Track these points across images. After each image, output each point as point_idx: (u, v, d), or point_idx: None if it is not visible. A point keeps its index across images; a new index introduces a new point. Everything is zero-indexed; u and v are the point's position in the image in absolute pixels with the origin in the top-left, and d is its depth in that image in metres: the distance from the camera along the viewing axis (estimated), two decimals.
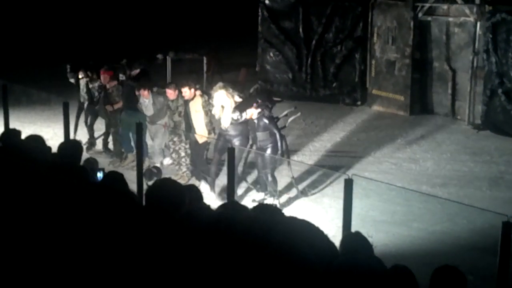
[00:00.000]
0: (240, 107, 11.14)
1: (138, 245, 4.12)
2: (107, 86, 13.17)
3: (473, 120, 16.32)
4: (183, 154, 12.29)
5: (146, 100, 12.53)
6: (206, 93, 12.16)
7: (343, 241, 5.09)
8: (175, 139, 12.28)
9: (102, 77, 13.23)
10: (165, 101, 12.44)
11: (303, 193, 11.51)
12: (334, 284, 3.02)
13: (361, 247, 4.96)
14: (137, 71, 13.66)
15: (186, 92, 11.76)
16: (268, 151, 11.06)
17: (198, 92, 11.84)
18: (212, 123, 11.89)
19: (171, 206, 4.52)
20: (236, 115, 11.13)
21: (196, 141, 11.85)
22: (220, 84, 11.68)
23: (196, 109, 11.72)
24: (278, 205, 10.54)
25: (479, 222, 9.88)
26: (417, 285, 4.52)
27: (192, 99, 11.78)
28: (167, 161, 13.04)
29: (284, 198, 11.38)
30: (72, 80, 14.07)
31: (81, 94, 13.95)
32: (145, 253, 4.01)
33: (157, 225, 4.32)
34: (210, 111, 11.62)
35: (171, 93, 12.07)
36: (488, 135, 15.51)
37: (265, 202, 10.66)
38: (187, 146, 12.17)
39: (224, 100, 11.26)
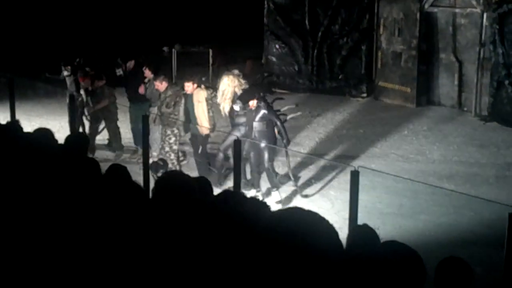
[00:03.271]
0: (242, 98, 11.13)
1: (148, 238, 4.13)
2: (91, 88, 13.08)
3: (480, 112, 16.28)
4: (167, 149, 11.91)
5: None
6: (212, 87, 12.16)
7: (351, 234, 5.11)
8: (168, 131, 11.99)
9: (83, 83, 13.16)
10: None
11: (297, 185, 11.41)
12: (343, 275, 3.02)
13: (369, 239, 4.98)
14: (132, 62, 13.54)
15: (189, 87, 11.73)
16: (264, 143, 11.08)
17: (202, 86, 11.83)
18: (214, 119, 11.87)
19: (180, 198, 4.52)
20: (238, 106, 11.15)
21: (198, 134, 11.81)
22: (227, 72, 11.74)
23: (199, 99, 11.67)
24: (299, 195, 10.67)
25: (486, 214, 9.86)
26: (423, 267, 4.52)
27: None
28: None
29: (289, 190, 11.38)
30: (62, 77, 14.18)
31: (68, 89, 13.97)
32: (154, 246, 4.02)
33: (166, 217, 4.33)
34: (212, 106, 11.67)
35: (158, 85, 11.99)
36: (495, 127, 15.47)
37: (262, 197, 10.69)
38: (175, 141, 11.97)
39: (225, 87, 11.31)
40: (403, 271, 3.34)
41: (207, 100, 11.67)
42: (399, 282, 3.46)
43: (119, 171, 5.83)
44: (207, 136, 11.94)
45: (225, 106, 11.48)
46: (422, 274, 3.77)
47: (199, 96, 11.71)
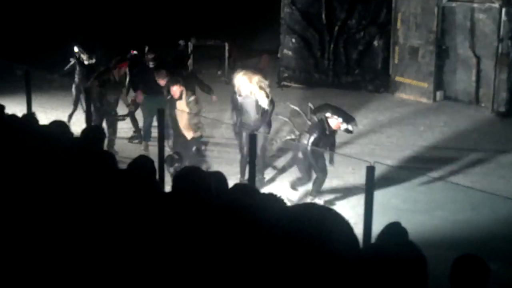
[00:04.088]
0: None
1: (166, 232, 4.13)
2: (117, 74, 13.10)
3: (497, 108, 16.16)
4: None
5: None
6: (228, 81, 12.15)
7: (382, 231, 5.18)
8: None
9: (117, 70, 13.12)
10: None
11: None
12: (364, 271, 2.99)
13: (399, 238, 5.06)
14: (152, 55, 13.58)
15: (177, 91, 11.44)
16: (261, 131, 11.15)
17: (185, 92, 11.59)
18: (200, 122, 11.74)
19: (198, 193, 4.53)
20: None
21: (184, 136, 11.64)
22: (242, 71, 11.65)
23: (184, 108, 11.46)
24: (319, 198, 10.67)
25: (502, 211, 9.79)
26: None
27: (180, 98, 11.49)
28: None
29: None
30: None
31: (77, 83, 14.09)
32: (173, 240, 4.01)
33: (185, 212, 4.32)
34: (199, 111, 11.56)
35: (160, 81, 12.39)
36: None
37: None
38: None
39: (241, 84, 11.25)
40: (402, 273, 3.30)
41: (190, 108, 11.46)
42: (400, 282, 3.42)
43: (143, 163, 5.79)
44: (195, 139, 11.72)
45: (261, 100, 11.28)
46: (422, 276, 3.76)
47: (183, 106, 11.48)
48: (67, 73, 14.77)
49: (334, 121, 10.52)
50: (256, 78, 11.33)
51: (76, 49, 14.39)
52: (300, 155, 10.62)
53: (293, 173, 11.38)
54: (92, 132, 7.40)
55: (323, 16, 19.09)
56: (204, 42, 20.70)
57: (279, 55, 19.88)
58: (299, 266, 2.86)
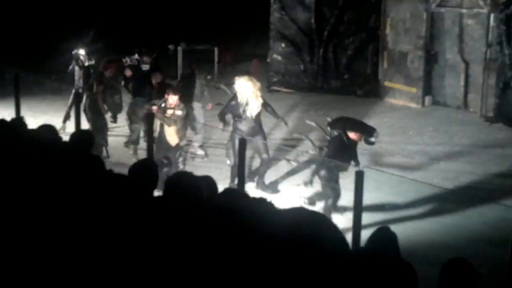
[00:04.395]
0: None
1: (156, 237, 4.13)
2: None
3: (485, 113, 16.23)
4: None
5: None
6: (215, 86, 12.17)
7: (372, 236, 5.21)
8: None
9: (109, 70, 13.17)
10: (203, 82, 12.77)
11: (249, 178, 11.36)
12: (352, 273, 3.01)
13: (388, 242, 5.08)
14: (149, 59, 13.60)
15: (174, 100, 11.30)
16: (259, 137, 11.11)
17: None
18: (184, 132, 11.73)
19: (190, 197, 4.54)
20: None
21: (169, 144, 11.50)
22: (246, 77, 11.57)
23: (169, 122, 11.33)
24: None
25: (491, 215, 9.84)
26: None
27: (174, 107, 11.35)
28: None
29: (293, 189, 11.37)
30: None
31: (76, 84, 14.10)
32: (164, 244, 4.01)
33: (176, 216, 4.33)
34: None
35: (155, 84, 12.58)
36: (501, 128, 15.43)
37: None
38: None
39: (244, 90, 11.17)
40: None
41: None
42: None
43: (145, 167, 5.77)
44: (178, 146, 11.61)
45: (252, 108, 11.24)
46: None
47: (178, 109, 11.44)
48: (69, 75, 14.72)
49: (353, 134, 10.23)
50: (259, 84, 11.34)
51: (81, 51, 14.38)
52: (322, 172, 10.20)
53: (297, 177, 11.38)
54: (81, 136, 7.39)
55: (313, 21, 19.13)
56: (194, 46, 20.69)
57: (268, 59, 19.89)
58: (289, 268, 2.87)
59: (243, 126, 11.22)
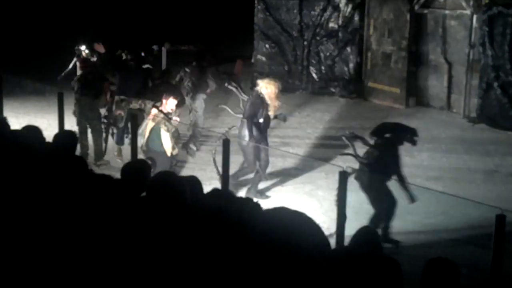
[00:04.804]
0: None
1: (139, 236, 4.13)
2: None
3: (468, 113, 16.33)
4: None
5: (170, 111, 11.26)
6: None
7: (355, 235, 5.22)
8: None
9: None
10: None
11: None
12: (333, 271, 3.03)
13: (370, 241, 5.11)
14: (136, 59, 13.52)
15: (173, 104, 11.11)
16: (247, 138, 11.01)
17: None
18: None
19: (173, 198, 4.54)
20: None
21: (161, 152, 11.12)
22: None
23: (169, 128, 11.00)
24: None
25: (473, 215, 9.88)
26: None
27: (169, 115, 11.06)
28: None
29: (277, 189, 11.39)
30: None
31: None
32: (146, 244, 4.01)
33: (159, 216, 4.33)
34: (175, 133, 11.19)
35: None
36: (484, 129, 15.53)
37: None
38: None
39: (270, 92, 11.06)
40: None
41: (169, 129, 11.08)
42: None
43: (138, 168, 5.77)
44: (172, 157, 11.28)
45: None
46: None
47: (169, 126, 11.06)
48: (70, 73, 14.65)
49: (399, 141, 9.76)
50: (279, 85, 11.32)
51: (82, 47, 14.37)
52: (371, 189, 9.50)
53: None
54: (65, 137, 7.35)
55: (297, 22, 19.18)
56: (178, 47, 20.64)
57: (252, 60, 19.92)
58: (271, 266, 2.89)
59: (260, 127, 11.14)
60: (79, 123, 12.53)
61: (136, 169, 5.60)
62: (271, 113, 11.16)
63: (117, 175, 5.66)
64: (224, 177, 8.28)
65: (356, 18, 18.55)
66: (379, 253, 5.07)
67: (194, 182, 5.23)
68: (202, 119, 13.91)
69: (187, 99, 13.44)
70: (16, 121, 10.74)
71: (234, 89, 12.30)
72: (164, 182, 4.69)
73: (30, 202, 4.95)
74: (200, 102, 13.78)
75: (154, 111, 10.99)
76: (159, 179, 4.80)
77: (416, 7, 17.26)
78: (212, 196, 4.97)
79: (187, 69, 14.12)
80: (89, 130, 12.65)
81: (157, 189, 4.64)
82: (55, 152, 6.51)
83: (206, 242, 3.63)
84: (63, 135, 7.58)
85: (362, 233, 5.32)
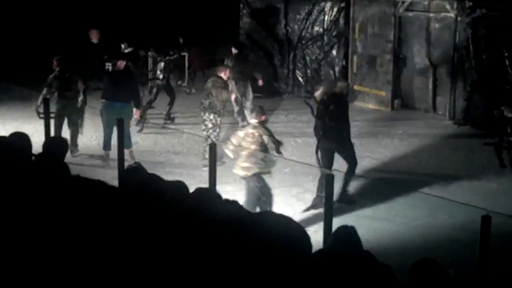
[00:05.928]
0: None
1: (123, 238, 4.15)
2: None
3: (453, 115, 16.43)
4: (205, 133, 12.83)
5: None
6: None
7: (334, 234, 5.24)
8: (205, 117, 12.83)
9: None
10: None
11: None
12: (313, 274, 3.07)
13: (351, 240, 5.12)
14: (123, 63, 13.44)
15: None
16: None
17: None
18: None
19: (151, 200, 4.58)
20: None
21: None
22: None
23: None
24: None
25: (459, 216, 9.96)
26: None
27: None
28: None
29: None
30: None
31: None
32: (130, 246, 4.04)
33: (136, 218, 4.36)
34: None
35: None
36: (469, 130, 15.63)
37: None
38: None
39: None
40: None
41: None
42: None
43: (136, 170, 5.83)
44: None
45: None
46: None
47: None
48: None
49: None
50: None
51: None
52: None
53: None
54: (55, 143, 7.36)
55: (282, 25, 19.24)
56: (164, 52, 20.60)
57: None
58: (252, 267, 2.93)
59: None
60: (57, 118, 12.99)
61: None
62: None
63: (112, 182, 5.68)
64: (211, 177, 8.28)
65: (341, 21, 18.64)
66: (359, 250, 5.10)
67: (179, 186, 5.25)
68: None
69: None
70: (3, 128, 10.74)
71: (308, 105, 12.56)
72: (144, 184, 4.75)
73: (17, 209, 4.96)
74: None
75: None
76: (140, 182, 4.87)
77: (401, 10, 17.37)
78: (196, 196, 5.00)
79: None
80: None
81: (137, 191, 4.71)
82: (44, 159, 6.52)
83: (188, 242, 3.66)
84: (53, 142, 7.59)
85: (340, 232, 5.30)
